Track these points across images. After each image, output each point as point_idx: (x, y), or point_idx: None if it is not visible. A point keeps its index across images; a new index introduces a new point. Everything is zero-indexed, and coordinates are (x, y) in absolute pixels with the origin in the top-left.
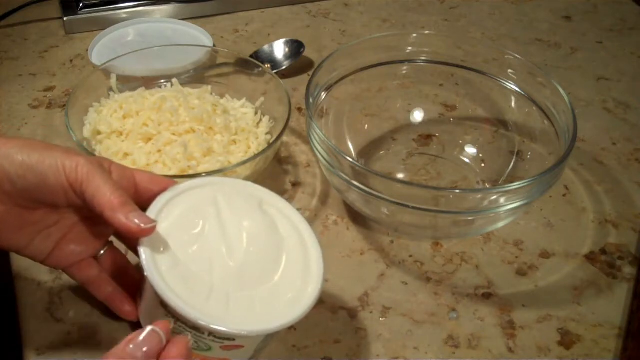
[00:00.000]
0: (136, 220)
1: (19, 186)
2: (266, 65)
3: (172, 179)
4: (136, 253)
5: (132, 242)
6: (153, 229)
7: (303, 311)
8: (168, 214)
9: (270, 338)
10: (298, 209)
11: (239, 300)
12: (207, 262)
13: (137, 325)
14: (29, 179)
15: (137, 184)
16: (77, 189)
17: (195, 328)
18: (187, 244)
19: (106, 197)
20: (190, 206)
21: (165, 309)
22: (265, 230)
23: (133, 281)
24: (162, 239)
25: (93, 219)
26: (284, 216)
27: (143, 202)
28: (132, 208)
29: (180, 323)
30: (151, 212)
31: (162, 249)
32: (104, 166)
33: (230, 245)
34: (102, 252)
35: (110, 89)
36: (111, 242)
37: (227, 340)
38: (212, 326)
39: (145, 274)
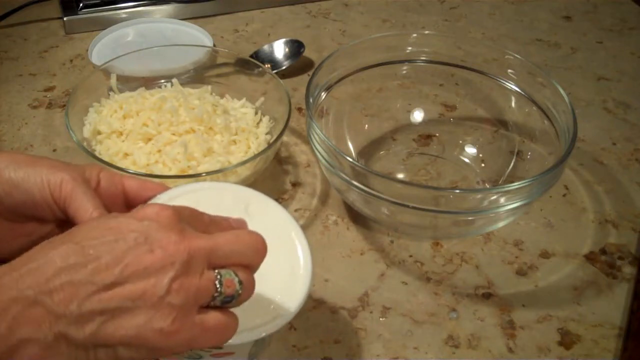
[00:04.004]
0: None
1: (6, 203)
2: (266, 65)
3: (163, 184)
4: None
5: None
6: None
7: (290, 315)
8: None
9: (263, 342)
10: (298, 209)
11: None
12: None
13: None
14: (15, 196)
15: (126, 191)
16: (60, 206)
17: None
18: None
19: (87, 215)
20: None
21: None
22: None
23: None
24: None
25: None
26: (272, 217)
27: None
28: None
29: None
30: None
31: None
32: (91, 179)
33: None
34: None
35: (110, 89)
36: None
37: (214, 348)
38: None
39: None
